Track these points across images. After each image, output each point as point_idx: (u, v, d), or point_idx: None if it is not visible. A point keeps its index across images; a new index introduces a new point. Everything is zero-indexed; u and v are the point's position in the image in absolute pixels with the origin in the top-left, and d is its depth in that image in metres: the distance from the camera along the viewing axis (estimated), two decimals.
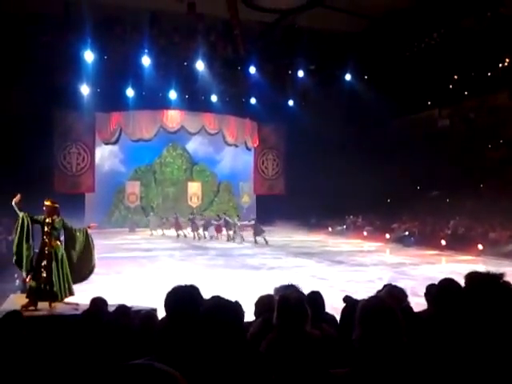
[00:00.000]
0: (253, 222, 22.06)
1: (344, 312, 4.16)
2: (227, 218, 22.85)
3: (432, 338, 2.27)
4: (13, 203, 7.87)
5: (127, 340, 3.07)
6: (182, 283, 2.48)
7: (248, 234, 21.90)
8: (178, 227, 24.30)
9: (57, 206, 7.96)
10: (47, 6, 18.95)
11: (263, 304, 3.90)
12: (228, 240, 22.30)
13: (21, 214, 7.70)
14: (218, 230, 23.17)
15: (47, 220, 7.82)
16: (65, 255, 8.04)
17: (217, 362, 1.80)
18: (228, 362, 1.81)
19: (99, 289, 9.05)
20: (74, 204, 24.46)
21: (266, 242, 20.60)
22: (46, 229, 7.79)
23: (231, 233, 22.46)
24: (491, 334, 1.85)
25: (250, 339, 2.95)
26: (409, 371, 1.94)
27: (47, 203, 7.87)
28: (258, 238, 21.04)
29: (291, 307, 2.55)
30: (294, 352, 2.42)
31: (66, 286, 7.94)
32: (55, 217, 7.88)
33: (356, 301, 4.17)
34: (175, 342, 2.09)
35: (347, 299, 4.47)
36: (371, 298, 2.25)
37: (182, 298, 2.31)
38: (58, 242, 7.93)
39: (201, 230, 23.50)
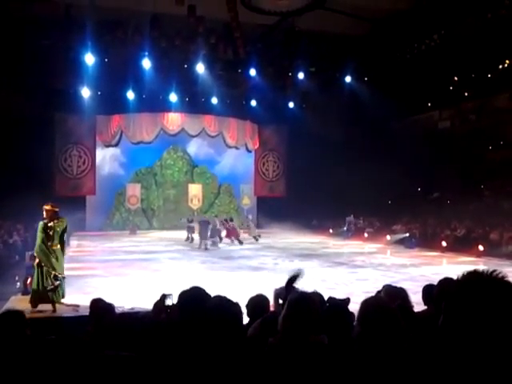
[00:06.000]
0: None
1: (327, 313, 3.97)
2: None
3: (434, 338, 2.27)
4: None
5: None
6: (187, 285, 2.81)
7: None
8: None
9: (57, 209, 8.03)
10: (48, 9, 18.97)
11: (256, 305, 3.91)
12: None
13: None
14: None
15: (50, 224, 7.87)
16: (62, 257, 8.16)
17: (218, 353, 1.84)
18: (229, 354, 1.85)
19: (99, 291, 9.07)
20: (76, 207, 24.46)
21: None
22: (50, 233, 7.85)
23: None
24: (491, 331, 1.85)
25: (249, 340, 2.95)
26: (408, 370, 1.94)
27: (48, 207, 7.91)
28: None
29: (311, 309, 2.36)
30: (298, 359, 2.29)
31: (63, 288, 8.09)
32: (56, 221, 7.93)
33: (340, 301, 4.09)
34: (184, 334, 2.35)
35: (330, 300, 4.22)
36: (371, 298, 2.25)
37: (194, 295, 2.72)
38: (58, 246, 8.01)
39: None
